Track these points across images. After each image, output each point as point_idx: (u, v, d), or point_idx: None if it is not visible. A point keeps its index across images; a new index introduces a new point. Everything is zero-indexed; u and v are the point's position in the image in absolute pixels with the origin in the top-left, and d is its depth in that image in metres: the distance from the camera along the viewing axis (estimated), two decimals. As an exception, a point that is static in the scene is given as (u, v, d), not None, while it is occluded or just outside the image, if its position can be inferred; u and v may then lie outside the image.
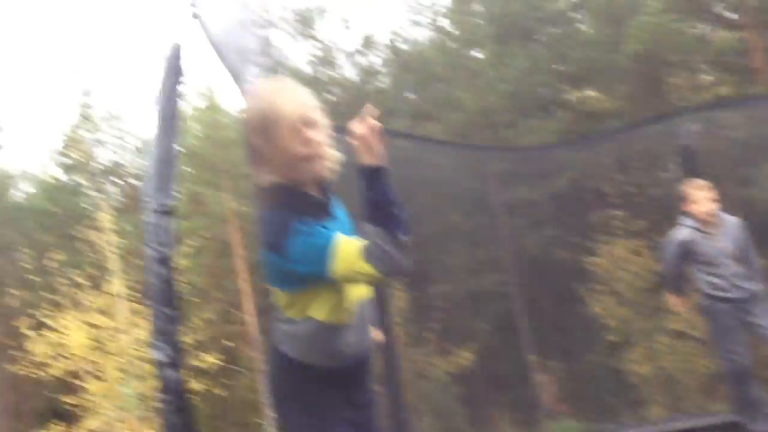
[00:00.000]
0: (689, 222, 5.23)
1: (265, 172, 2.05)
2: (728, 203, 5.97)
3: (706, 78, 25.92)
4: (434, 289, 17.55)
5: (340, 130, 2.19)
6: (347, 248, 1.94)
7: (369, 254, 1.91)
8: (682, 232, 5.23)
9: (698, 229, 5.15)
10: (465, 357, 16.22)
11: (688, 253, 5.18)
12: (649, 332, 16.46)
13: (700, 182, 5.34)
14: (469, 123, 21.84)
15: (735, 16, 23.53)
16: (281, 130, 2.01)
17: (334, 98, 25.70)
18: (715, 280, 5.09)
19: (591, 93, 25.90)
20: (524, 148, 17.46)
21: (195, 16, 3.62)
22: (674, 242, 5.26)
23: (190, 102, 22.95)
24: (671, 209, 7.69)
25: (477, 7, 24.84)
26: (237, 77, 3.56)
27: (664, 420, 11.18)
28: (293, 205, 2.02)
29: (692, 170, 7.93)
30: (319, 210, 2.08)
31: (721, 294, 5.07)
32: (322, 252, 1.94)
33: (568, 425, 15.33)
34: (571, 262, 18.39)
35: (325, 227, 2.01)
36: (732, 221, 5.30)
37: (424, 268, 19.84)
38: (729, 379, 5.04)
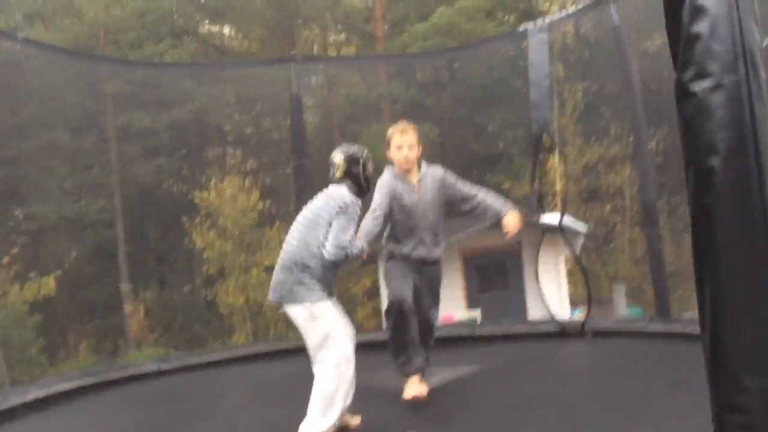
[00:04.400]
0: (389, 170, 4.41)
1: None
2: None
3: (337, 37, 27.71)
4: (22, 211, 15.81)
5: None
6: None
7: None
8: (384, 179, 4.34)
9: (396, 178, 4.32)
10: (48, 285, 14.95)
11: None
12: (244, 266, 17.06)
13: (403, 125, 4.31)
14: (89, 36, 20.05)
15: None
16: None
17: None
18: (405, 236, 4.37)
19: (227, 30, 25.84)
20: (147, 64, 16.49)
21: None
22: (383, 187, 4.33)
23: None
24: (284, 153, 7.62)
25: None
26: None
27: (246, 345, 11.59)
28: None
29: (298, 120, 8.07)
30: None
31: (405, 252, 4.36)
32: None
33: (150, 353, 15.18)
34: (179, 194, 18.13)
35: None
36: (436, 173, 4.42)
37: (12, 186, 17.84)
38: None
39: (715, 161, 1.21)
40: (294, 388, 5.71)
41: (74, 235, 19.30)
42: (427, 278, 4.37)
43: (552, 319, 7.02)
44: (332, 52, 25.80)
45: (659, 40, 19.30)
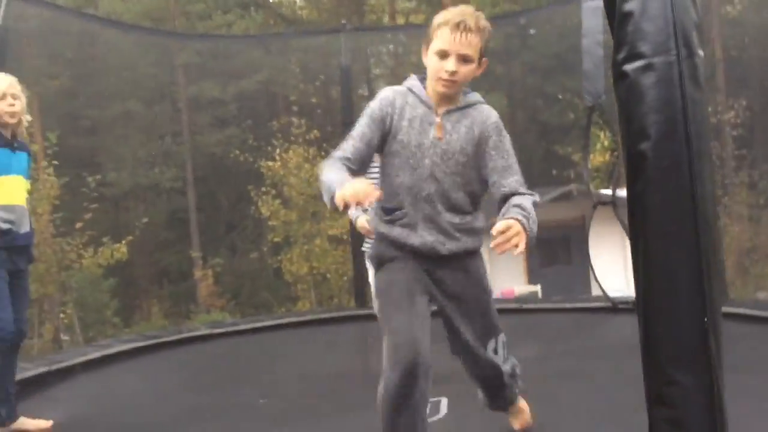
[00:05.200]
0: None
1: None
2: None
3: (406, 5, 27.42)
4: (96, 178, 16.52)
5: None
6: None
7: None
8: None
9: None
10: (121, 250, 15.59)
11: None
12: (309, 235, 17.31)
13: (462, 13, 2.81)
14: (160, 7, 20.58)
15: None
16: None
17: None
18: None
19: (297, -1, 25.98)
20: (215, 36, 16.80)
21: None
22: None
23: None
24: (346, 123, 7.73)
25: None
26: None
27: (307, 312, 11.85)
28: None
29: (347, 88, 8.24)
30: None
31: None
32: None
33: (217, 317, 15.71)
34: (247, 164, 18.51)
35: None
36: None
37: (88, 153, 18.64)
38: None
39: (646, 146, 1.16)
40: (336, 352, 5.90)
41: (149, 202, 20.08)
42: (451, 287, 2.49)
43: (604, 295, 6.91)
44: (401, 20, 25.57)
45: (740, 5, 18.31)
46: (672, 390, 1.15)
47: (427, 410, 2.84)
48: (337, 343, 6.41)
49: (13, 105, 3.65)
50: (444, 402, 3.37)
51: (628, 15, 1.16)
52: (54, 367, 5.39)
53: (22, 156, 3.79)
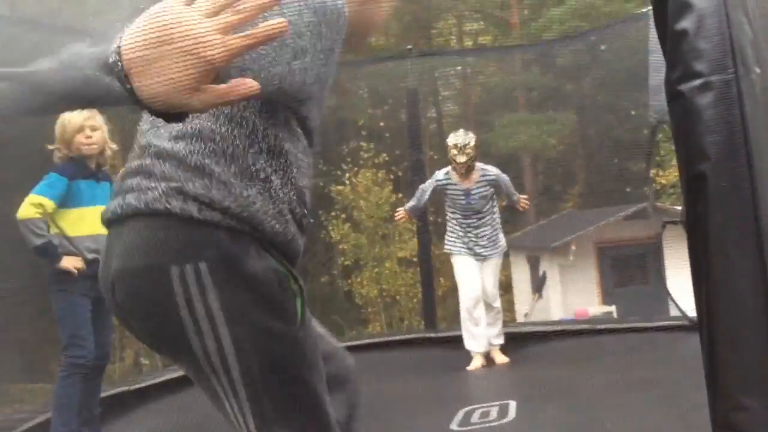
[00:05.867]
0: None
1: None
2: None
3: (473, 26, 27.43)
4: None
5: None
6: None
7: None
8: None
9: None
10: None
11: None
12: (379, 258, 17.42)
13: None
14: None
15: (499, -27, 24.97)
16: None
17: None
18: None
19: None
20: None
21: None
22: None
23: None
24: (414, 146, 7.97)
25: None
26: None
27: (380, 335, 11.89)
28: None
29: (414, 111, 8.36)
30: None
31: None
32: None
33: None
34: (318, 188, 18.82)
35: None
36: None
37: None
38: None
39: (705, 166, 1.13)
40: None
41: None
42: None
43: (681, 313, 6.69)
44: (468, 42, 25.60)
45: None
46: (739, 415, 1.11)
47: (496, 414, 2.90)
48: (406, 365, 6.40)
49: (90, 137, 3.71)
50: (513, 405, 3.34)
51: (683, 33, 1.14)
52: (133, 387, 5.59)
53: (106, 186, 3.84)
